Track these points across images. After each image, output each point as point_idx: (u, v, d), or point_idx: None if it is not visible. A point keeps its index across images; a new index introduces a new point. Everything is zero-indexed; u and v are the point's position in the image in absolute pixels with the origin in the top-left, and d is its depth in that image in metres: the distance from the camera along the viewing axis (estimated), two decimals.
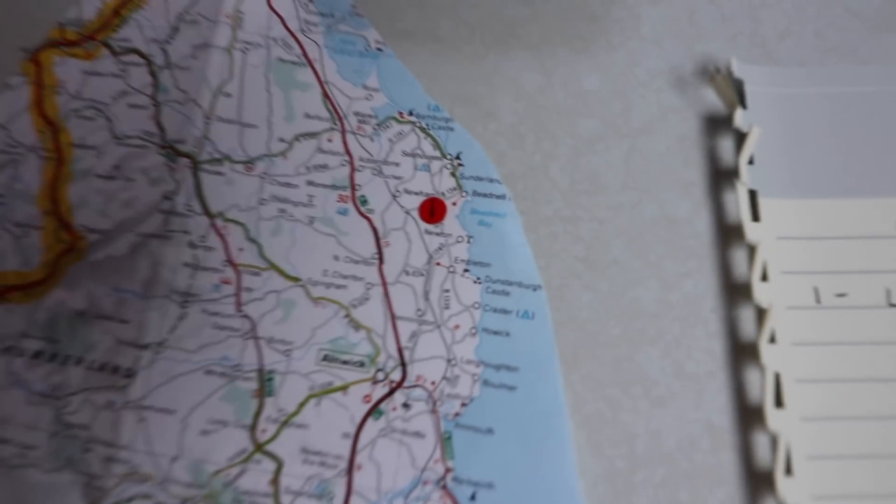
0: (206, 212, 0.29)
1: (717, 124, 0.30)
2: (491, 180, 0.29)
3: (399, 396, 0.26)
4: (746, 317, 0.27)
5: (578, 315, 0.27)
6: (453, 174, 0.29)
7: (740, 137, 0.29)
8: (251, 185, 0.29)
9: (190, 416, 0.26)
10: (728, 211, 0.29)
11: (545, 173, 0.29)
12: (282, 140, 0.30)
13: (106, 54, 0.31)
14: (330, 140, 0.30)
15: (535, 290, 0.27)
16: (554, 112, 0.30)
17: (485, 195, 0.29)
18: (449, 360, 0.27)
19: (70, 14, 0.32)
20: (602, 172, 0.29)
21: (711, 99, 0.30)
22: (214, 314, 0.27)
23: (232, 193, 0.29)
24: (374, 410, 0.26)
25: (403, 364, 0.27)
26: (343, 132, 0.30)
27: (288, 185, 0.29)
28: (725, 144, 0.30)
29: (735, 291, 0.27)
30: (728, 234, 0.28)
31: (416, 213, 0.29)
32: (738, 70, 0.30)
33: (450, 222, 0.29)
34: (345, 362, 0.27)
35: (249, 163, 0.29)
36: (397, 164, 0.29)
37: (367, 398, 0.26)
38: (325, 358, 0.27)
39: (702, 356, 0.26)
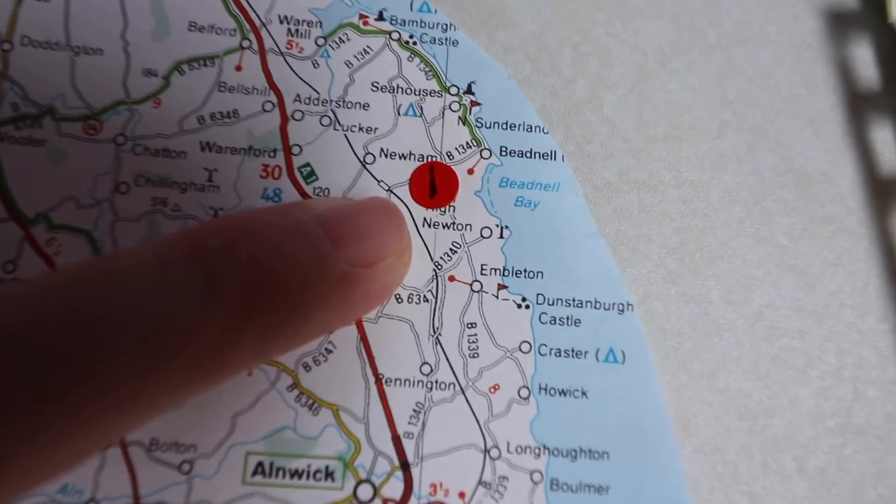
0: (16, 215, 0.16)
1: (845, 23, 0.19)
2: (529, 128, 0.18)
3: None
4: None
5: (679, 347, 0.17)
6: (464, 120, 0.17)
7: (892, 38, 0.19)
8: (98, 157, 0.16)
9: None
10: (881, 157, 0.18)
11: (597, 110, 0.18)
12: (150, 73, 0.17)
13: None
14: (239, 68, 0.17)
15: (621, 311, 0.16)
16: (598, 8, 0.19)
17: (521, 154, 0.17)
18: (487, 450, 0.15)
19: None
20: (687, 104, 0.18)
21: None
22: None
23: (63, 177, 0.16)
24: None
25: (405, 466, 0.15)
26: (262, 52, 0.17)
27: (167, 152, 0.17)
28: (861, 53, 0.19)
29: None
30: (887, 192, 0.18)
31: (405, 192, 0.17)
32: None
33: (465, 203, 0.17)
34: (297, 474, 0.15)
35: (92, 118, 0.16)
36: (365, 106, 0.17)
37: None
38: (260, 469, 0.15)
39: (877, 398, 0.17)
